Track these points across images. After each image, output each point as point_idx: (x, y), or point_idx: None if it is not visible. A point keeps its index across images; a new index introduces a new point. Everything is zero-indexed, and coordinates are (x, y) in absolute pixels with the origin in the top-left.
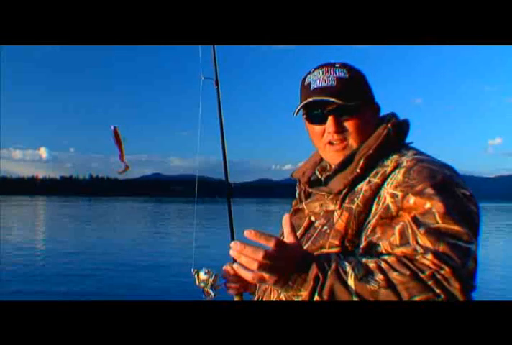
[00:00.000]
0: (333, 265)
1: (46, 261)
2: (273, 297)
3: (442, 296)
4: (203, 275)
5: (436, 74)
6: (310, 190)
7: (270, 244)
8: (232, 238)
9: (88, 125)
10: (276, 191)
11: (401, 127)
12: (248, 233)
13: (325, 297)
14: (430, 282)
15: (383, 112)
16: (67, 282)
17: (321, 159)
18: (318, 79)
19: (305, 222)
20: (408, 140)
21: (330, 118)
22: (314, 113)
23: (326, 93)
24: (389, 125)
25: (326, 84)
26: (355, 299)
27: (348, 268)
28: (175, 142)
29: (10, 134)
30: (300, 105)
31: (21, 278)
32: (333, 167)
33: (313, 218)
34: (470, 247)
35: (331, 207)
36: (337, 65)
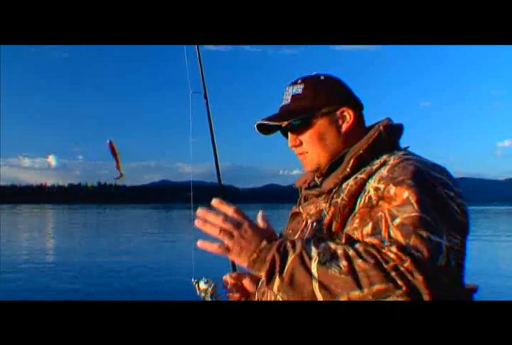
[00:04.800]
0: (298, 248)
1: (54, 268)
2: (270, 299)
3: (403, 288)
4: (203, 285)
5: (444, 77)
6: (304, 192)
7: (230, 210)
8: None
9: (97, 132)
10: (284, 196)
11: (393, 129)
12: (214, 202)
13: (285, 279)
14: (393, 273)
15: (392, 115)
16: (75, 288)
17: None
18: (283, 98)
19: (303, 225)
20: (407, 145)
21: (288, 134)
22: (281, 131)
23: (281, 112)
24: (380, 127)
25: (284, 102)
26: (315, 283)
27: (314, 253)
28: (182, 148)
29: (19, 142)
30: (254, 126)
31: (29, 285)
32: (325, 168)
33: (309, 221)
34: (442, 242)
35: (323, 206)
36: (299, 81)
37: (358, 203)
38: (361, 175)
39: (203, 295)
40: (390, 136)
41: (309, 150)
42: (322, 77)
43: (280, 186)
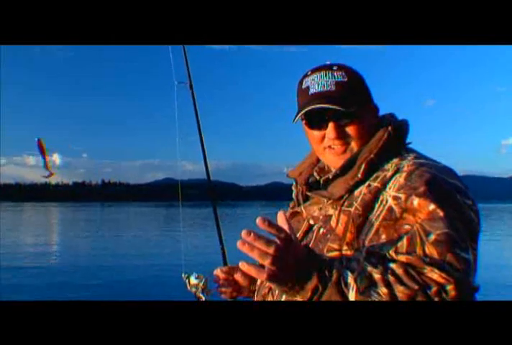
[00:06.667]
0: (334, 275)
1: (58, 266)
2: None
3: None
4: (193, 280)
5: (449, 75)
6: (309, 194)
7: (281, 236)
8: (221, 243)
9: (101, 131)
10: (288, 194)
11: (401, 129)
12: (260, 222)
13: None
14: (436, 298)
15: (397, 113)
16: (79, 286)
17: (318, 160)
18: (317, 83)
19: (304, 226)
20: (411, 141)
21: (330, 125)
22: (314, 119)
23: (325, 99)
24: (389, 128)
25: (325, 89)
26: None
27: (350, 279)
28: (186, 146)
29: (24, 141)
30: (301, 113)
31: (34, 283)
32: (333, 170)
33: (311, 222)
34: (470, 259)
35: (331, 211)
36: (335, 68)
37: (375, 214)
38: (374, 183)
39: (194, 290)
40: (398, 136)
41: (352, 143)
42: (354, 69)
43: (283, 184)
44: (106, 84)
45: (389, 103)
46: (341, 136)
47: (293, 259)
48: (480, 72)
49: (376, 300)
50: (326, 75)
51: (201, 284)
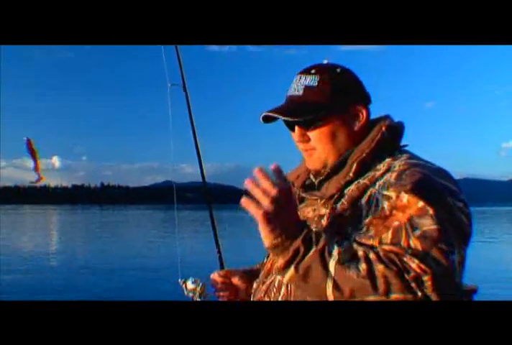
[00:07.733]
0: (321, 243)
1: (57, 269)
2: None
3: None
4: (190, 285)
5: (449, 77)
6: (303, 195)
7: (282, 185)
8: (217, 247)
9: (101, 134)
10: None
11: (396, 130)
12: (258, 173)
13: (300, 271)
14: (413, 284)
15: (397, 116)
16: (77, 289)
17: None
18: (292, 86)
19: None
20: (403, 143)
21: (296, 128)
22: (285, 122)
23: (293, 104)
24: (383, 128)
25: (294, 93)
26: (329, 282)
27: (335, 251)
28: (186, 149)
29: (23, 144)
30: (260, 116)
31: (31, 286)
32: (326, 170)
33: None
34: (455, 260)
35: (323, 211)
36: (313, 71)
37: (364, 212)
38: (363, 181)
39: (191, 294)
40: (392, 137)
41: (318, 148)
42: (338, 70)
43: None
44: (106, 86)
45: (388, 104)
46: (305, 140)
47: (289, 212)
48: (481, 74)
49: (353, 274)
50: (300, 78)
51: (198, 289)
